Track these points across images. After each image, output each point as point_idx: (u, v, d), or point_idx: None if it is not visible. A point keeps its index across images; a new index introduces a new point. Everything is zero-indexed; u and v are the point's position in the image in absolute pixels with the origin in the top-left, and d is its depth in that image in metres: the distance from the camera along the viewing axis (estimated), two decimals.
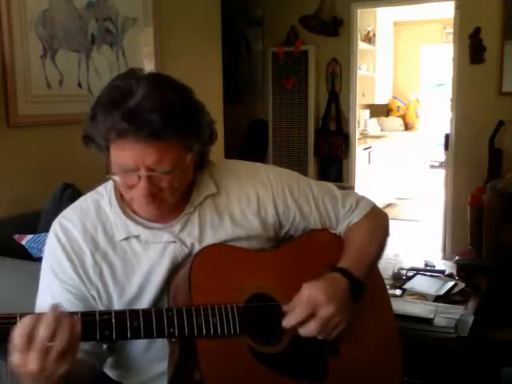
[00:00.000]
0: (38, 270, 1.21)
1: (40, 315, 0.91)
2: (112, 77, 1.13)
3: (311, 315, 1.12)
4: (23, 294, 1.76)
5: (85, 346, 1.09)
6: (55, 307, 0.92)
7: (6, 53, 2.47)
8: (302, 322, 1.12)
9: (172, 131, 1.04)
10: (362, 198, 1.40)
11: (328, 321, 1.13)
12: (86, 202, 1.22)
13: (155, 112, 1.02)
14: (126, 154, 1.05)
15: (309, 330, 1.12)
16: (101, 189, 1.24)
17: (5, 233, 2.19)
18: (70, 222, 1.18)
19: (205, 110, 1.15)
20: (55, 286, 1.15)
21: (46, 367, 0.89)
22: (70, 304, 1.12)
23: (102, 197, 1.22)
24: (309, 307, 1.12)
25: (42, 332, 0.89)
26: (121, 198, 1.20)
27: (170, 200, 1.14)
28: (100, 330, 0.97)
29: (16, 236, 2.16)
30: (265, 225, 1.26)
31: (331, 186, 1.38)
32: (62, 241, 1.16)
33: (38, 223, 2.28)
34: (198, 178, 1.23)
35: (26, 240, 2.13)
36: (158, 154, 1.05)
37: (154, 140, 1.03)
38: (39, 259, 2.03)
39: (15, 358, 0.89)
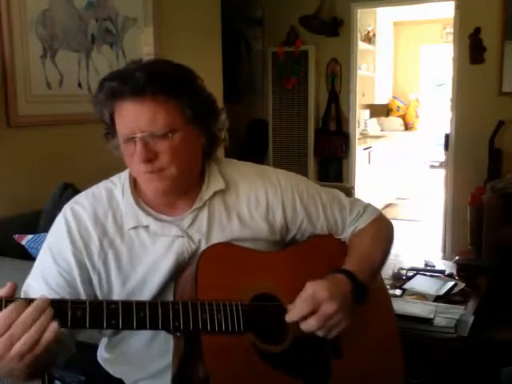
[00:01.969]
0: None
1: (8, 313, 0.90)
2: None
3: (313, 311, 1.12)
4: None
5: None
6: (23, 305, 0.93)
7: (6, 53, 2.47)
8: (304, 318, 1.12)
9: (157, 88, 1.08)
10: (369, 205, 1.41)
11: (329, 318, 1.12)
12: (98, 189, 1.24)
13: (141, 71, 1.08)
14: (122, 120, 1.11)
15: (309, 324, 1.12)
16: (115, 178, 1.26)
17: (5, 233, 2.19)
18: (81, 206, 1.20)
19: (201, 83, 1.18)
20: (49, 267, 1.15)
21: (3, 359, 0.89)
22: (59, 288, 1.13)
23: (116, 186, 1.23)
24: (312, 303, 1.12)
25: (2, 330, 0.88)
26: (135, 189, 1.22)
27: (172, 172, 1.13)
28: (107, 318, 0.98)
29: (16, 236, 2.16)
30: (272, 229, 1.27)
31: (339, 193, 1.39)
32: (70, 224, 1.18)
33: (38, 223, 2.28)
34: (207, 172, 1.24)
35: (25, 240, 2.13)
36: (150, 114, 1.09)
37: (140, 96, 1.08)
38: None
39: None
